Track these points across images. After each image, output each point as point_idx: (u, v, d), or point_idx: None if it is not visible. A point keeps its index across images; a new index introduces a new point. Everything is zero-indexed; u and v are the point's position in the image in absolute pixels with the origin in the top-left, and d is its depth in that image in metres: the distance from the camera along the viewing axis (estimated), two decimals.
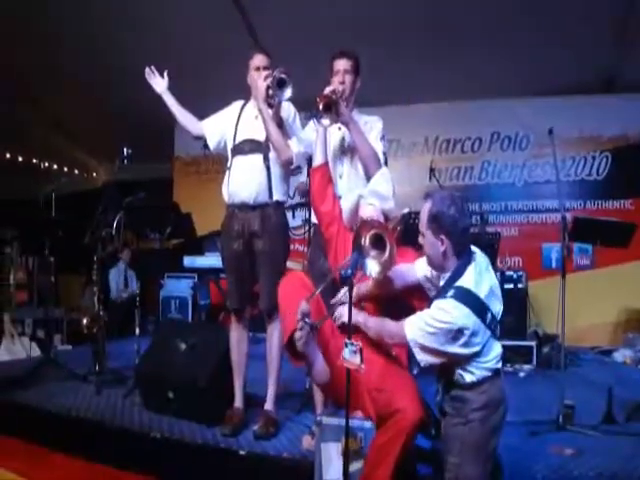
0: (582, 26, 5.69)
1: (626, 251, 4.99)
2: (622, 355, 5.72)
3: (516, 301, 5.37)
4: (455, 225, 2.22)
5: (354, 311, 2.36)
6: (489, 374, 2.23)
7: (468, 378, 2.22)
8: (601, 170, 6.94)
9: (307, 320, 2.21)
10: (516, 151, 7.15)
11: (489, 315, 2.20)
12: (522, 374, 5.05)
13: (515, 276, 5.67)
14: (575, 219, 3.98)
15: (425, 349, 2.18)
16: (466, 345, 2.15)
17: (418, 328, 2.19)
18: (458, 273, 2.23)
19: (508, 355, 4.82)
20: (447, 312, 2.13)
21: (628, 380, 4.66)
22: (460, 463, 2.19)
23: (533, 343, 5.31)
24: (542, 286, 6.28)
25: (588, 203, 6.87)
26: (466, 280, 2.20)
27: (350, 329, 2.16)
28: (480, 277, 2.23)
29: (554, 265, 6.70)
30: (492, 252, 5.03)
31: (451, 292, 2.17)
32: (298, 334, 2.23)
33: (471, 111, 7.14)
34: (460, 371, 2.23)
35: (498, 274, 4.92)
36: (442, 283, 2.28)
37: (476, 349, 2.18)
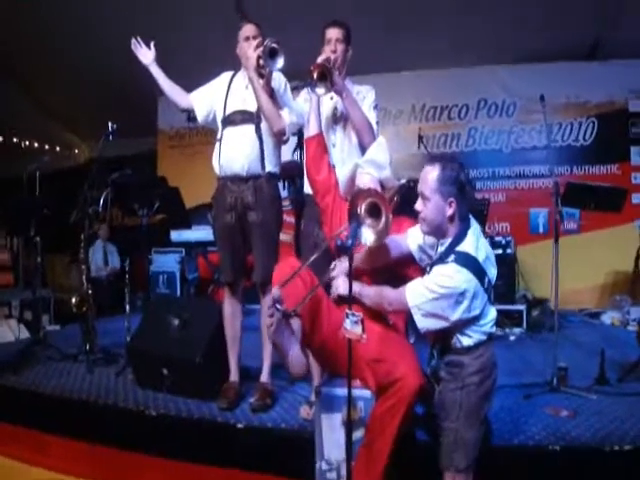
0: None
1: (612, 215, 5.05)
2: (610, 317, 5.80)
3: (505, 266, 5.39)
4: (463, 190, 2.22)
5: (346, 281, 2.34)
6: (485, 338, 2.26)
7: (465, 342, 2.23)
8: (587, 135, 6.94)
9: (278, 307, 2.17)
10: (503, 117, 7.12)
11: (486, 279, 2.21)
12: (512, 337, 5.12)
13: (503, 242, 5.71)
14: (567, 184, 3.97)
15: (427, 315, 2.18)
16: (467, 309, 2.16)
17: (420, 294, 2.18)
18: (459, 238, 2.22)
19: (499, 319, 4.85)
20: (450, 277, 2.13)
21: (617, 341, 4.71)
22: (457, 428, 2.22)
23: (523, 307, 5.41)
24: (529, 251, 6.37)
25: (575, 168, 6.88)
26: (467, 245, 2.20)
27: (350, 299, 2.14)
28: (478, 242, 2.24)
29: (541, 230, 6.78)
30: (481, 218, 5.03)
31: (452, 257, 2.17)
32: (268, 321, 2.20)
33: (458, 78, 7.10)
34: (458, 335, 2.24)
35: (487, 240, 4.94)
36: (441, 249, 2.27)
37: (476, 313, 2.19)
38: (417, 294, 2.19)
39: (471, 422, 2.22)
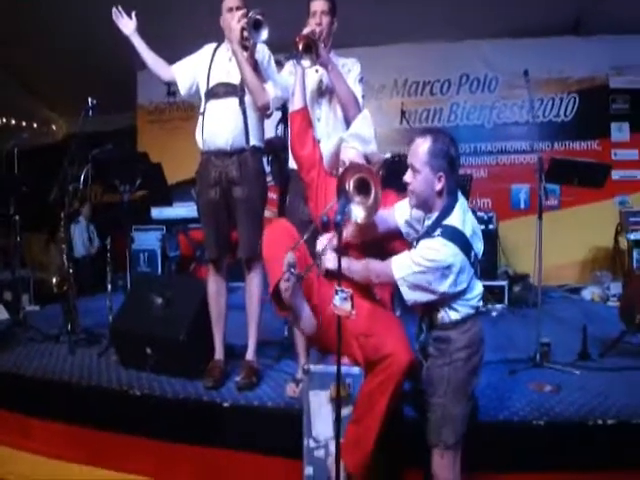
0: None
1: (592, 191, 5.07)
2: (590, 292, 5.87)
3: (487, 242, 5.25)
4: (454, 164, 2.20)
5: (335, 257, 2.36)
6: (472, 312, 2.26)
7: (453, 316, 2.23)
8: (569, 111, 6.96)
9: (293, 271, 2.19)
10: (485, 93, 7.11)
11: (473, 253, 2.21)
12: (494, 313, 5.16)
13: (486, 217, 5.73)
14: (551, 160, 3.97)
15: (413, 287, 2.17)
16: (454, 283, 2.15)
17: (406, 266, 2.17)
18: (446, 212, 2.21)
19: None
20: (436, 250, 2.12)
21: (597, 317, 4.78)
22: (445, 403, 2.22)
23: (504, 283, 5.45)
24: (511, 226, 6.40)
25: (556, 144, 6.88)
26: (454, 219, 2.18)
27: (340, 275, 2.11)
28: (465, 216, 2.23)
29: (522, 206, 6.83)
30: (464, 194, 4.96)
31: (439, 231, 2.16)
32: (284, 285, 2.22)
33: (440, 53, 7.05)
34: (446, 309, 2.23)
35: (468, 217, 4.97)
36: (428, 223, 2.25)
37: (462, 286, 2.19)
38: (403, 266, 2.18)
39: (458, 398, 2.23)
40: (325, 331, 2.38)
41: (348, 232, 2.48)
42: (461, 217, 2.20)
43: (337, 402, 2.14)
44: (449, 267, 2.11)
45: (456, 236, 2.14)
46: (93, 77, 6.98)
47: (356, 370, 2.38)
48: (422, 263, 2.12)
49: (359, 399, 2.31)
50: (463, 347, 2.23)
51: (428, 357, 2.30)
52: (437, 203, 2.23)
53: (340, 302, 2.06)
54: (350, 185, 2.25)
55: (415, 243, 2.29)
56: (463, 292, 2.21)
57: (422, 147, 2.19)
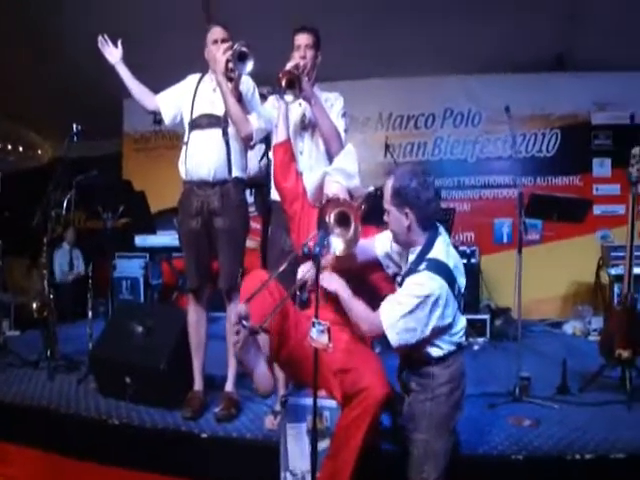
0: (534, 3, 5.75)
1: (574, 226, 5.13)
2: (572, 327, 5.88)
3: (469, 276, 5.33)
4: (418, 198, 2.22)
5: (340, 281, 2.38)
6: (454, 348, 2.28)
7: (435, 353, 2.25)
8: (551, 147, 7.05)
9: (245, 323, 2.12)
10: (468, 127, 7.18)
11: (456, 287, 2.23)
12: (476, 347, 5.16)
13: (468, 251, 5.77)
14: (531, 195, 4.03)
15: (402, 332, 2.16)
16: (441, 316, 2.17)
17: (394, 313, 2.17)
18: (428, 246, 2.25)
19: None
20: (421, 285, 2.14)
21: (578, 351, 4.79)
22: (428, 439, 2.23)
23: (486, 316, 5.45)
24: (493, 260, 6.40)
25: (538, 179, 6.98)
26: (437, 252, 2.22)
27: (317, 309, 2.12)
28: (448, 249, 2.26)
29: (505, 240, 6.86)
30: (447, 228, 5.06)
31: (424, 265, 2.18)
32: (234, 339, 2.15)
33: (424, 87, 7.14)
34: (428, 347, 2.24)
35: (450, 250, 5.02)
36: (412, 258, 2.27)
37: (448, 320, 2.21)
38: (391, 314, 2.18)
39: (441, 433, 2.24)
40: (303, 365, 2.37)
41: (327, 261, 2.50)
42: (444, 250, 2.24)
43: (313, 435, 2.13)
44: (436, 301, 2.14)
45: (441, 268, 2.17)
46: (80, 103, 6.99)
47: (333, 403, 2.38)
48: (409, 302, 2.14)
49: (337, 432, 2.31)
50: (445, 382, 2.25)
51: (410, 392, 2.31)
52: (413, 238, 2.27)
53: (317, 335, 2.07)
54: (331, 218, 2.28)
55: (399, 279, 2.32)
56: (448, 327, 2.23)
57: (386, 187, 2.27)
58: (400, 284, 2.31)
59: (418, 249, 2.26)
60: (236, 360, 2.26)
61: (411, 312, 2.13)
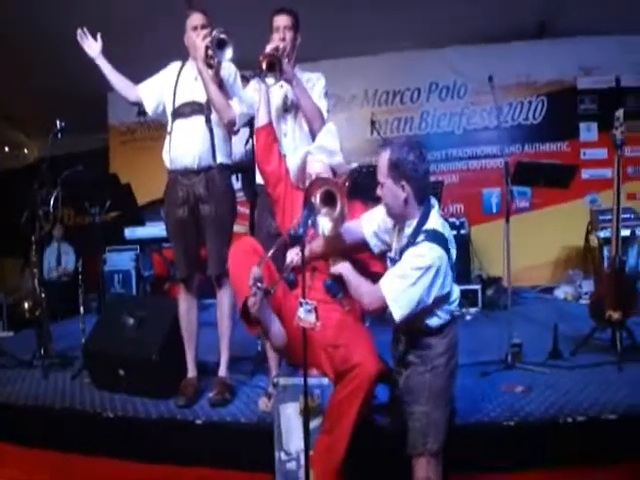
0: None
1: (562, 192, 5.14)
2: (563, 292, 5.95)
3: (459, 247, 5.35)
4: (415, 171, 2.22)
5: (345, 263, 2.42)
6: (450, 318, 2.30)
7: (435, 322, 2.26)
8: (537, 114, 7.06)
9: (260, 285, 2.20)
10: (454, 100, 7.18)
11: (451, 257, 2.24)
12: (469, 317, 5.22)
13: (457, 223, 5.80)
14: (517, 163, 4.03)
15: (406, 304, 2.17)
16: (442, 286, 2.18)
17: (396, 286, 2.17)
18: (424, 218, 2.24)
19: None
20: (422, 256, 2.14)
21: (570, 316, 4.82)
22: (428, 411, 2.23)
23: (478, 286, 5.50)
24: (483, 230, 6.44)
25: (526, 147, 7.00)
26: (432, 223, 2.23)
27: (304, 289, 2.13)
28: (441, 220, 2.28)
29: (494, 210, 6.89)
30: (437, 200, 5.09)
31: (422, 236, 2.19)
32: (251, 300, 2.23)
33: (409, 62, 7.14)
34: (428, 317, 2.25)
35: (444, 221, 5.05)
36: (409, 231, 2.27)
37: (447, 289, 2.22)
38: (393, 287, 2.18)
39: (440, 403, 2.26)
40: (293, 344, 2.39)
41: (316, 245, 2.51)
42: (439, 221, 2.25)
43: (305, 414, 2.15)
44: (437, 270, 2.14)
45: (439, 238, 2.18)
46: (64, 99, 6.95)
47: (325, 381, 2.40)
48: (411, 275, 2.14)
49: (329, 410, 2.32)
50: (443, 352, 2.27)
51: (407, 366, 2.32)
52: (409, 212, 2.26)
53: (304, 314, 2.08)
54: (317, 198, 2.28)
55: (393, 255, 2.33)
56: (447, 296, 2.24)
57: (382, 160, 2.25)
58: (393, 260, 2.32)
59: (414, 222, 2.26)
60: (257, 320, 2.32)
61: (414, 284, 2.13)
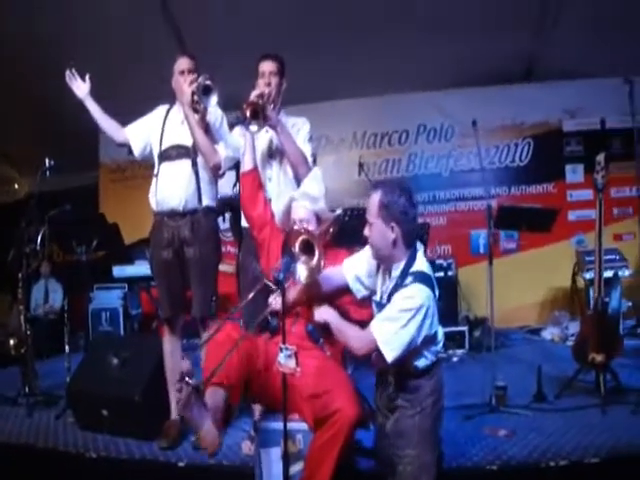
0: (501, 16, 5.90)
1: (550, 233, 5.20)
2: (550, 333, 5.96)
3: (447, 288, 5.49)
4: (405, 214, 2.27)
5: (329, 310, 2.43)
6: (436, 358, 2.33)
7: (422, 363, 2.29)
8: (524, 156, 7.18)
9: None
10: (442, 142, 7.30)
11: (435, 298, 2.28)
12: (455, 359, 5.21)
13: (445, 264, 5.81)
14: (499, 208, 4.10)
15: (398, 347, 2.19)
16: (430, 326, 2.22)
17: (387, 329, 2.20)
18: (412, 260, 2.29)
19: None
20: (414, 297, 2.18)
21: (556, 357, 4.84)
22: (419, 454, 2.25)
23: (465, 328, 5.50)
24: (471, 271, 6.43)
25: (513, 188, 7.11)
26: (419, 265, 2.28)
27: (284, 335, 2.15)
28: (426, 262, 2.32)
29: (482, 250, 6.86)
30: (422, 243, 5.13)
31: (410, 278, 2.23)
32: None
33: (397, 104, 7.27)
34: (416, 358, 2.28)
35: (428, 263, 5.07)
36: (396, 273, 2.31)
37: (435, 329, 2.26)
38: (384, 330, 2.21)
39: (430, 445, 2.28)
40: (273, 391, 2.39)
41: (293, 292, 2.53)
42: (425, 263, 2.30)
43: (285, 459, 2.15)
44: (427, 311, 2.19)
45: (426, 280, 2.23)
46: (56, 136, 7.03)
47: (306, 426, 2.39)
48: (402, 317, 2.17)
49: (310, 454, 2.32)
50: (430, 393, 2.30)
51: (395, 409, 2.33)
52: (396, 253, 2.31)
53: (284, 359, 2.11)
54: (295, 246, 2.32)
55: (380, 299, 2.36)
56: (434, 336, 2.28)
57: (373, 200, 2.30)
58: (380, 304, 2.36)
59: (402, 264, 2.30)
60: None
61: (405, 325, 2.16)
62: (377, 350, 2.22)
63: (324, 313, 2.44)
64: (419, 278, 2.22)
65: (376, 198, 2.29)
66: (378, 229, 2.29)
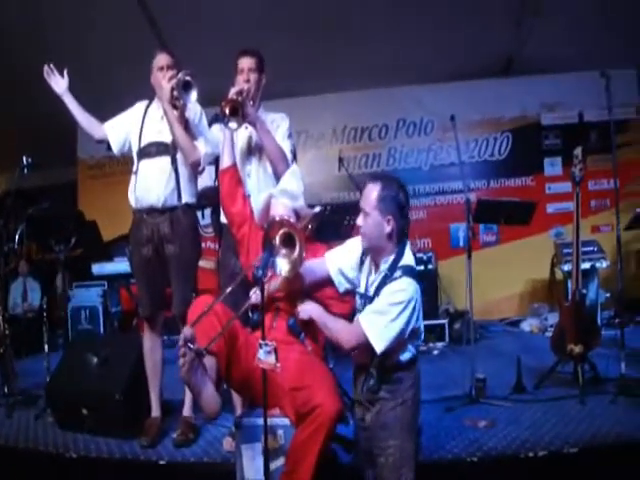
0: (478, 11, 5.94)
1: (528, 226, 5.26)
2: (529, 324, 6.05)
3: (427, 281, 5.54)
4: (402, 209, 2.32)
5: (315, 306, 2.45)
6: (416, 352, 2.38)
7: (406, 357, 2.33)
8: (503, 150, 7.27)
9: (191, 346, 2.14)
10: (421, 136, 7.36)
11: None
12: (436, 352, 5.26)
13: (425, 257, 5.87)
14: (478, 201, 4.13)
15: (388, 339, 2.23)
16: (417, 318, 2.28)
17: (377, 323, 2.23)
18: (400, 254, 2.33)
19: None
20: (403, 290, 2.22)
21: (535, 348, 4.88)
22: (401, 444, 2.29)
23: (445, 321, 5.55)
24: (451, 264, 6.52)
25: (492, 182, 7.19)
26: (407, 259, 2.32)
27: (264, 330, 2.15)
28: (412, 256, 2.37)
29: (462, 244, 6.87)
30: None
31: (399, 272, 2.27)
32: (180, 361, 2.15)
33: (377, 99, 7.29)
34: (401, 351, 2.32)
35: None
36: (385, 266, 2.33)
37: (420, 323, 2.32)
38: (375, 323, 2.24)
39: (411, 435, 2.33)
40: (254, 385, 2.39)
41: (275, 284, 2.53)
42: (411, 257, 2.35)
43: (265, 455, 2.15)
44: (415, 303, 2.23)
45: (414, 273, 2.29)
46: (34, 132, 6.95)
47: (287, 421, 2.39)
48: (392, 310, 2.21)
49: (290, 450, 2.32)
50: (410, 385, 2.34)
51: (376, 401, 2.36)
52: (388, 246, 2.34)
53: (264, 355, 2.10)
54: (276, 239, 2.32)
55: (367, 291, 2.38)
56: (418, 329, 2.32)
57: (372, 192, 2.32)
58: (364, 296, 2.39)
59: (391, 258, 2.33)
60: (184, 383, 2.26)
61: (395, 319, 2.20)
62: (365, 343, 2.24)
63: (309, 310, 2.45)
64: (408, 271, 2.26)
65: (375, 190, 2.32)
66: (374, 220, 2.31)
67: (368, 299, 2.36)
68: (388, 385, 2.33)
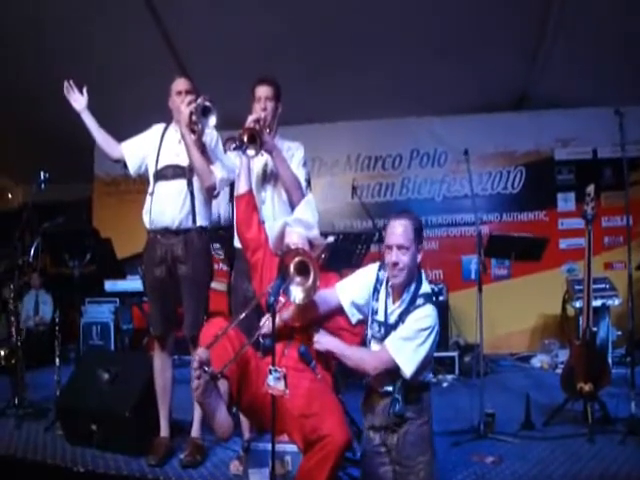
0: (494, 45, 6.01)
1: (541, 261, 5.26)
2: (539, 360, 6.00)
3: (438, 313, 5.48)
4: (424, 239, 2.48)
5: (331, 338, 2.51)
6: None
7: (427, 378, 2.47)
8: (516, 184, 7.25)
9: (206, 369, 2.16)
10: (435, 167, 7.37)
11: None
12: (445, 384, 5.23)
13: (436, 289, 5.80)
14: (490, 237, 4.15)
15: (418, 363, 2.34)
16: (438, 343, 2.43)
17: (406, 348, 2.35)
18: (420, 282, 2.46)
19: (432, 366, 4.98)
20: (429, 316, 2.36)
21: (545, 385, 4.87)
22: (429, 460, 2.41)
23: (455, 353, 5.52)
24: (463, 297, 6.42)
25: (504, 215, 7.17)
26: (425, 287, 2.45)
27: (274, 356, 2.17)
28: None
29: (473, 276, 6.83)
30: None
31: (421, 299, 2.39)
32: (195, 383, 2.17)
33: (392, 129, 7.34)
34: (425, 372, 2.44)
35: None
36: (407, 297, 2.43)
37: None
38: (403, 350, 2.35)
39: (433, 451, 2.46)
40: (264, 411, 2.39)
41: (288, 313, 2.56)
42: (428, 285, 2.49)
43: None
44: (437, 329, 2.38)
45: (433, 300, 2.42)
46: (52, 146, 7.04)
47: (296, 447, 2.39)
48: (420, 335, 2.33)
49: (297, 477, 2.32)
50: (429, 405, 2.48)
51: (402, 423, 2.42)
52: (415, 275, 2.45)
53: (274, 381, 2.12)
54: (291, 267, 2.35)
55: (388, 319, 2.45)
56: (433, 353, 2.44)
57: (407, 227, 2.41)
58: (385, 325, 2.45)
59: (413, 286, 2.44)
60: (197, 405, 2.28)
61: (422, 344, 2.33)
62: (393, 368, 2.35)
63: (325, 343, 2.51)
64: (428, 299, 2.39)
65: (408, 224, 2.41)
66: (412, 253, 2.41)
67: (389, 327, 2.44)
68: (413, 405, 2.41)
